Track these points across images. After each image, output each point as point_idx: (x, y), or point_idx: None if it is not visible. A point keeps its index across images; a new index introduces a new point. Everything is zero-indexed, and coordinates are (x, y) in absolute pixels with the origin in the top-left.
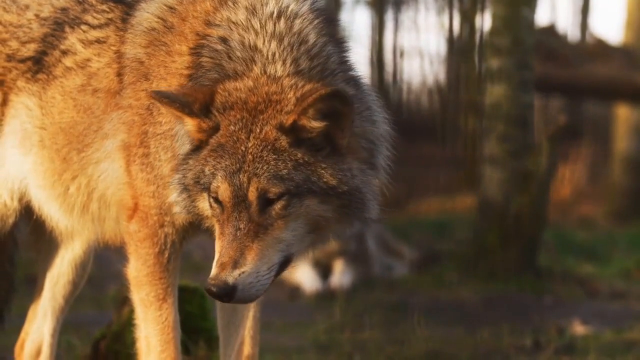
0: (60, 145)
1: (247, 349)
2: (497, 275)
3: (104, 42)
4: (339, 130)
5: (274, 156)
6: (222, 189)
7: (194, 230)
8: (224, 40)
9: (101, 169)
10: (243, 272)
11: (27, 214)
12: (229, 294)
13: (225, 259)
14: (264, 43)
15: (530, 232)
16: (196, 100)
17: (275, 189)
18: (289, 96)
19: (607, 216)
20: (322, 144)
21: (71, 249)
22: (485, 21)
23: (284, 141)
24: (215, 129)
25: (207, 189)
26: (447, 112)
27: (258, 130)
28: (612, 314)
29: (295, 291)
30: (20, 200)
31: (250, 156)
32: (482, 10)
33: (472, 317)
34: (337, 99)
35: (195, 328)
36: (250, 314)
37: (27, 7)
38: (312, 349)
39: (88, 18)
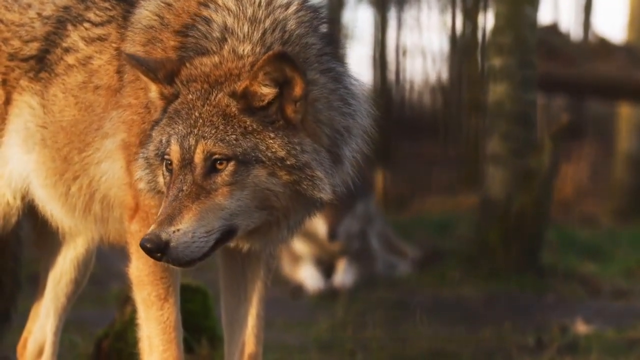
0: (61, 144)
1: (251, 347)
2: (500, 274)
3: (106, 39)
4: (291, 102)
5: (223, 121)
6: (173, 151)
7: None
8: (207, 21)
9: (102, 169)
10: (178, 230)
11: (30, 212)
12: (161, 249)
13: (163, 217)
14: (239, 25)
15: (532, 230)
16: (163, 68)
17: (220, 151)
18: (246, 68)
19: (610, 214)
20: (275, 117)
21: (73, 247)
22: (487, 20)
23: (234, 107)
24: (175, 96)
25: (164, 159)
26: (449, 111)
27: (212, 98)
28: (614, 313)
29: (298, 290)
30: (23, 199)
31: (201, 120)
32: (485, 8)
33: (475, 316)
34: (284, 62)
35: (198, 327)
36: (254, 312)
37: (29, 5)
38: (315, 348)
39: (90, 15)
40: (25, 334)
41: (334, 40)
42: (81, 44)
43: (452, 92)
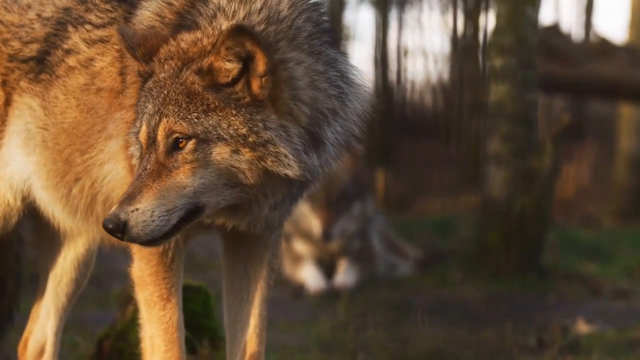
0: (62, 146)
1: (253, 347)
2: (501, 274)
3: (108, 41)
4: (257, 77)
5: (187, 99)
6: (142, 131)
7: (197, 228)
8: (205, 1)
9: (106, 170)
10: (137, 209)
11: (31, 213)
12: (120, 229)
13: (124, 197)
14: (230, 4)
15: (534, 231)
16: (142, 45)
17: (180, 130)
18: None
19: (611, 215)
20: (242, 94)
21: (74, 247)
22: (488, 20)
23: (198, 85)
24: (150, 74)
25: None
26: (451, 111)
27: (182, 76)
28: (615, 313)
29: (299, 290)
30: (23, 200)
31: (167, 99)
32: (486, 9)
33: (476, 316)
34: (243, 36)
35: (199, 327)
36: (256, 312)
37: (29, 6)
38: (316, 348)
39: (92, 17)
40: (26, 334)
41: (330, 29)
42: (82, 46)
43: (453, 93)
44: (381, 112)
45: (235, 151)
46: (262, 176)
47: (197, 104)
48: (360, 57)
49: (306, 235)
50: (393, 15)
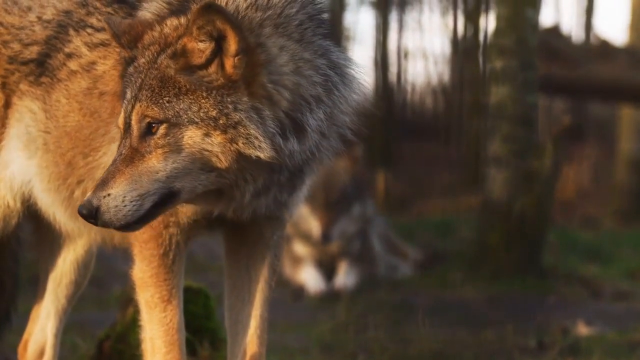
0: (65, 149)
1: (253, 347)
2: (501, 276)
3: (109, 44)
4: (229, 56)
5: (160, 84)
6: (120, 117)
7: (199, 229)
8: None
9: None
10: (109, 195)
11: (30, 215)
12: (93, 215)
13: (98, 182)
14: None
15: (534, 232)
16: (128, 32)
17: (152, 114)
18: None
19: (611, 216)
20: (215, 75)
21: (73, 249)
22: (489, 22)
23: (171, 69)
24: (132, 59)
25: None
26: (451, 113)
27: (158, 61)
28: (616, 315)
29: (299, 291)
30: (23, 202)
31: (143, 84)
32: (486, 11)
33: (476, 317)
34: (213, 14)
35: (200, 328)
36: (257, 313)
37: (29, 9)
38: (317, 349)
39: (93, 21)
40: (26, 335)
41: (326, 21)
42: (84, 50)
43: (454, 94)
44: (381, 113)
45: (207, 134)
46: (237, 159)
47: (169, 88)
48: (360, 58)
49: (306, 237)
50: (393, 17)
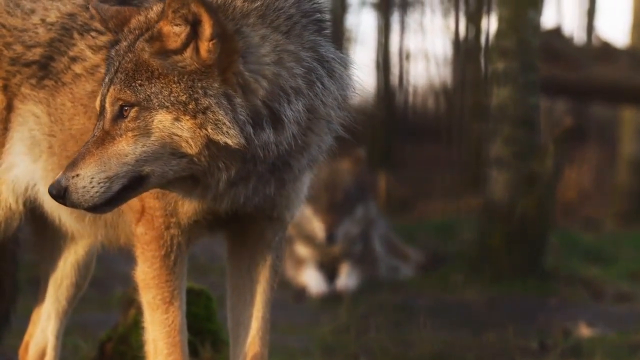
0: (70, 152)
1: (256, 348)
2: (503, 277)
3: None
4: (204, 40)
5: (134, 67)
6: (97, 100)
7: (200, 230)
8: None
9: None
10: (77, 175)
11: (31, 216)
12: (61, 195)
13: (69, 163)
14: None
15: (535, 234)
16: (115, 17)
17: (124, 97)
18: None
19: (613, 218)
20: (190, 60)
21: (74, 251)
22: (490, 23)
23: (146, 52)
24: (116, 43)
25: None
26: (452, 114)
27: (136, 44)
28: (617, 316)
29: (301, 293)
30: (25, 204)
31: (119, 67)
32: (488, 12)
33: (478, 319)
34: None
35: (201, 330)
36: (259, 315)
37: (32, 11)
38: (318, 351)
39: (96, 24)
40: (26, 337)
41: (321, 19)
42: (88, 53)
43: (455, 96)
44: (383, 114)
45: (177, 119)
46: (207, 145)
47: (142, 71)
48: (362, 60)
49: (308, 239)
50: (395, 19)
